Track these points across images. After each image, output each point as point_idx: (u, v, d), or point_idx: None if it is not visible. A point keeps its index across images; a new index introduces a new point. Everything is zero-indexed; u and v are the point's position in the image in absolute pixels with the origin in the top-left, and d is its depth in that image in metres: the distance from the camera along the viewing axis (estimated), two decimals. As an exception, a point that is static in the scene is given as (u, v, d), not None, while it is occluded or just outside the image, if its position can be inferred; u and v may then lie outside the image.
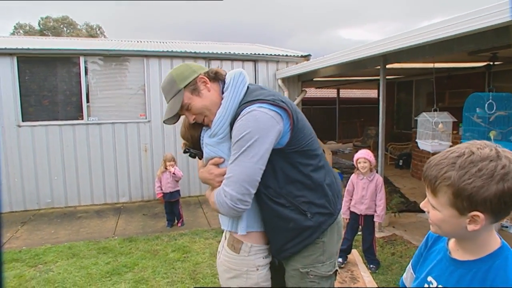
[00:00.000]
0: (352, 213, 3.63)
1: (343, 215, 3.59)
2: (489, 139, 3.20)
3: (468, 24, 2.95)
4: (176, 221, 5.12)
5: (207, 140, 1.54)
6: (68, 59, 6.05)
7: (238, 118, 1.39)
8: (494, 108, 3.23)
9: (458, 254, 0.97)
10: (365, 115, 13.99)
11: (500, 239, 0.94)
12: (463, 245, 0.96)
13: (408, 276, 1.20)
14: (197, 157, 1.67)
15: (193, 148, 1.65)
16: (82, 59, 5.97)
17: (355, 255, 3.98)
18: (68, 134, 6.01)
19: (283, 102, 1.42)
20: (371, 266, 3.61)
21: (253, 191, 1.38)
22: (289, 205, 1.45)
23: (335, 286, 1.62)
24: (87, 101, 6.06)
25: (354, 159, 3.59)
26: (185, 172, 6.27)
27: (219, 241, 4.68)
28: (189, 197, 6.57)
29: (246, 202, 1.37)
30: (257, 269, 1.52)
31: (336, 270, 1.57)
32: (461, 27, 3.03)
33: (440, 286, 0.99)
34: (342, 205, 2.03)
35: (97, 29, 34.17)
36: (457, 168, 0.85)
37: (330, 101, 14.71)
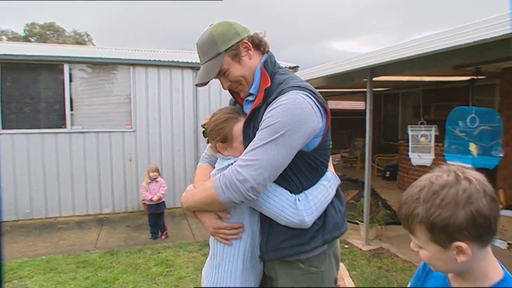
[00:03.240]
0: None
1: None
2: (469, 152, 3.22)
3: (454, 39, 2.99)
4: (160, 233, 4.99)
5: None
6: (52, 66, 5.91)
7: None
8: (477, 122, 3.26)
9: (457, 283, 0.91)
10: (352, 126, 14.05)
11: (502, 268, 0.88)
12: (462, 275, 0.90)
13: None
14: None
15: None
16: (66, 67, 5.84)
17: (341, 268, 3.92)
18: (50, 143, 5.84)
19: None
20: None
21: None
22: None
23: None
24: (71, 109, 5.92)
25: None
26: (170, 183, 6.15)
27: (204, 254, 4.57)
28: (174, 208, 6.43)
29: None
30: None
31: None
32: (447, 42, 3.07)
33: None
34: None
35: (85, 36, 33.91)
36: (422, 202, 0.82)
37: (318, 112, 14.78)
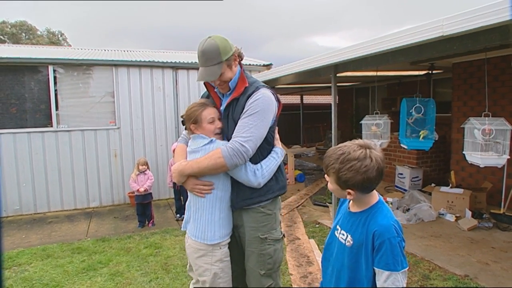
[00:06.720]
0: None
1: (168, 185, 5.85)
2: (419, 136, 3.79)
3: (397, 41, 3.53)
4: (147, 222, 5.37)
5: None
6: (36, 68, 6.16)
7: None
8: (422, 110, 3.85)
9: (353, 209, 1.45)
10: (327, 119, 14.69)
11: (378, 196, 1.42)
12: (355, 203, 1.44)
13: None
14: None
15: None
16: (50, 68, 6.11)
17: (312, 243, 4.45)
18: (37, 141, 6.10)
19: None
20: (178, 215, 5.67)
21: None
22: None
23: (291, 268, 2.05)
24: (56, 109, 6.19)
25: (172, 148, 5.59)
26: (154, 176, 6.51)
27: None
28: (158, 200, 6.82)
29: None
30: (220, 248, 1.90)
31: (284, 235, 2.04)
32: (391, 43, 3.62)
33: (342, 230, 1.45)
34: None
35: (59, 35, 33.27)
36: (339, 162, 1.33)
37: (294, 106, 15.36)
